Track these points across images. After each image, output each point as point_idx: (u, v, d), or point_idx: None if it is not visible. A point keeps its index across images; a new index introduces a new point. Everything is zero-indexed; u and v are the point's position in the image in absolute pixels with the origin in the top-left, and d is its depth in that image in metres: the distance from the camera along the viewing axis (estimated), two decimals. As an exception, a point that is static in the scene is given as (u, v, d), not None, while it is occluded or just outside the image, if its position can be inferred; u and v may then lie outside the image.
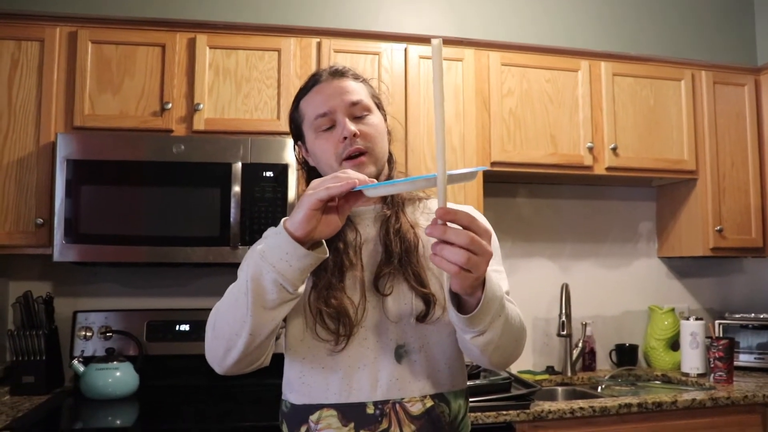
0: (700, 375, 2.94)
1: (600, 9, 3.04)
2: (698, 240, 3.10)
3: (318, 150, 1.37)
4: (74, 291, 2.79)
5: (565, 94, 2.92)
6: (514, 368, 2.96)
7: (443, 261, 1.02)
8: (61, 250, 2.36)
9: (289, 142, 2.51)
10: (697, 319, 3.01)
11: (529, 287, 3.21)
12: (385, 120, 1.45)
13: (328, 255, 1.19)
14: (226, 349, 1.21)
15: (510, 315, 1.19)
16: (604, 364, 3.28)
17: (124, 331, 2.67)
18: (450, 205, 1.04)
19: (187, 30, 2.60)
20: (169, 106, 2.53)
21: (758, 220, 3.14)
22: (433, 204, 1.40)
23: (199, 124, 2.55)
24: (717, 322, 3.19)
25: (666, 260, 3.45)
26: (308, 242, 1.14)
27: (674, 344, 3.21)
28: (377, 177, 1.36)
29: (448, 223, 1.03)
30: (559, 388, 2.94)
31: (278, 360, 1.38)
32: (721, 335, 3.12)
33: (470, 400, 1.88)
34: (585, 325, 3.16)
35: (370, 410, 1.26)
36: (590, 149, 2.91)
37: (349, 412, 1.26)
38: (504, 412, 2.28)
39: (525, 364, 3.17)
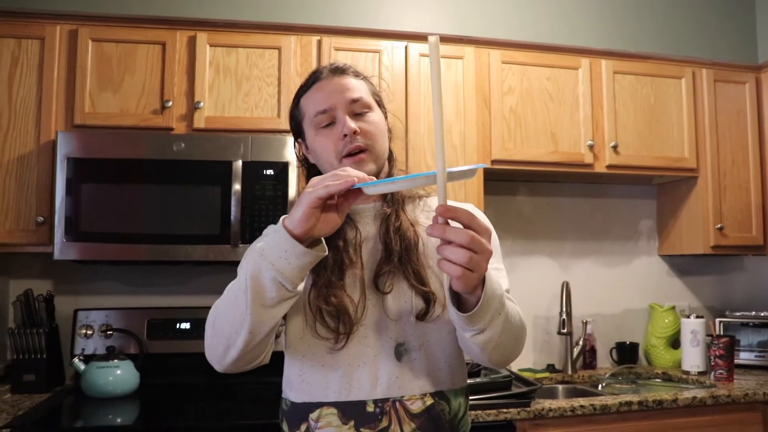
0: (700, 373, 2.94)
1: (600, 7, 3.03)
2: (699, 238, 3.10)
3: (318, 147, 1.37)
4: (75, 289, 2.79)
5: (565, 92, 2.92)
6: (515, 366, 2.96)
7: (446, 263, 1.02)
8: (61, 248, 2.36)
9: (290, 140, 2.51)
10: (697, 317, 3.01)
11: (529, 285, 3.21)
12: (386, 117, 1.45)
13: (327, 253, 1.19)
14: (225, 347, 1.21)
15: (510, 313, 1.19)
16: (604, 362, 3.28)
17: (125, 329, 2.67)
18: (450, 202, 1.04)
19: (188, 28, 2.60)
20: (170, 104, 2.53)
21: (759, 218, 3.13)
22: (434, 202, 1.39)
23: (199, 122, 2.55)
24: (717, 320, 3.19)
25: (666, 258, 3.45)
26: (307, 240, 1.14)
27: (675, 342, 3.21)
28: (377, 175, 1.36)
29: (449, 221, 1.03)
30: (560, 386, 2.94)
31: (278, 358, 1.38)
32: (721, 333, 3.11)
33: (471, 398, 1.88)
34: (585, 323, 3.16)
35: (370, 408, 1.26)
36: (591, 147, 2.90)
37: (349, 410, 1.26)
38: (504, 410, 2.28)
39: (525, 362, 3.17)
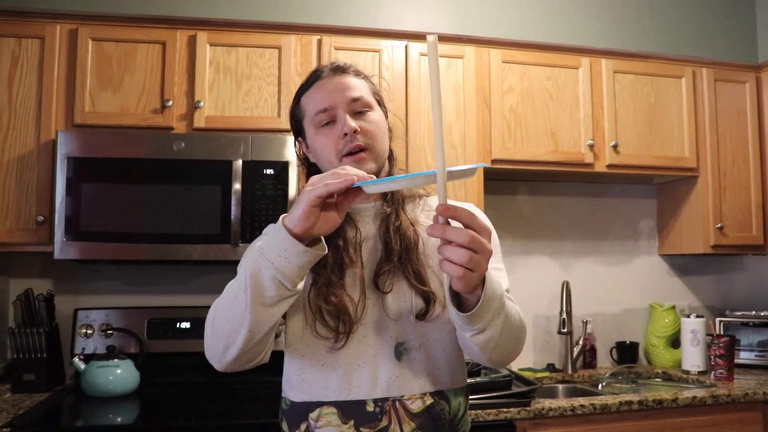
0: (700, 372, 2.94)
1: (601, 6, 3.03)
2: (699, 237, 3.10)
3: (318, 146, 1.37)
4: (75, 288, 2.79)
5: (565, 91, 2.92)
6: (515, 366, 2.96)
7: (447, 264, 1.02)
8: (61, 247, 2.37)
9: (290, 139, 2.51)
10: (697, 316, 3.01)
11: (529, 285, 3.21)
12: (386, 117, 1.45)
13: (326, 252, 1.19)
14: (225, 345, 1.21)
15: (510, 313, 1.19)
16: (604, 361, 3.28)
17: (125, 328, 2.67)
18: (450, 202, 1.04)
19: (188, 27, 2.60)
20: (170, 103, 2.53)
21: (759, 218, 3.13)
22: (434, 201, 1.39)
23: (199, 121, 2.55)
24: (718, 319, 3.19)
25: (667, 258, 3.45)
26: (307, 239, 1.14)
27: (675, 342, 3.21)
28: (377, 174, 1.36)
29: (449, 220, 1.03)
30: (560, 386, 2.94)
31: (278, 357, 1.38)
32: (721, 333, 3.11)
33: (471, 397, 1.89)
34: (586, 323, 3.16)
35: (370, 408, 1.26)
36: (591, 147, 2.90)
37: (349, 409, 1.26)
38: (505, 410, 2.28)
39: (526, 361, 3.17)
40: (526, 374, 2.79)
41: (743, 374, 2.92)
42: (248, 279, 1.15)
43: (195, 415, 2.29)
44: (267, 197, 2.46)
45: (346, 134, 1.32)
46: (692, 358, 2.97)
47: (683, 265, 3.46)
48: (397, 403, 1.26)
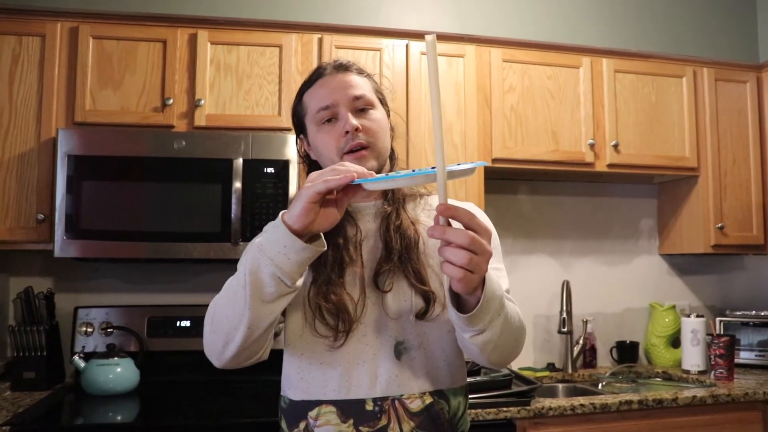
0: (700, 372, 2.94)
1: (601, 5, 3.03)
2: (699, 237, 3.10)
3: (320, 143, 1.37)
4: (75, 287, 2.79)
5: (566, 90, 2.92)
6: (515, 365, 2.96)
7: (447, 265, 1.02)
8: (62, 245, 2.37)
9: (290, 138, 2.51)
10: (698, 316, 3.00)
11: (530, 284, 3.21)
12: (388, 116, 1.44)
13: (326, 248, 1.18)
14: (224, 342, 1.21)
15: (509, 314, 1.19)
16: (604, 361, 3.28)
17: (125, 327, 2.67)
18: (450, 201, 1.04)
19: (188, 26, 2.60)
20: (170, 101, 2.53)
21: (759, 217, 3.13)
22: (434, 200, 1.39)
23: (200, 119, 2.55)
24: (718, 319, 3.19)
25: (667, 257, 3.45)
26: (306, 235, 1.14)
27: (675, 341, 3.21)
28: (378, 172, 1.35)
29: (450, 221, 1.02)
30: (560, 385, 2.94)
31: (278, 356, 1.38)
32: (721, 332, 3.11)
33: (471, 396, 1.88)
34: (586, 322, 3.16)
35: (369, 407, 1.26)
36: (591, 146, 2.90)
37: (348, 408, 1.26)
38: (504, 409, 2.28)
39: (526, 360, 3.17)
40: (526, 373, 2.79)
41: (743, 374, 2.92)
42: (247, 275, 1.14)
43: (195, 414, 2.29)
44: (267, 196, 2.47)
45: (347, 132, 1.32)
46: (692, 357, 2.97)
47: (683, 264, 3.46)
48: (396, 402, 1.26)
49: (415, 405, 1.27)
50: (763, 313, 3.16)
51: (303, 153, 1.47)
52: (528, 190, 3.29)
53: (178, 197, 2.44)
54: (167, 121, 2.54)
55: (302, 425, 1.29)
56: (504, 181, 3.20)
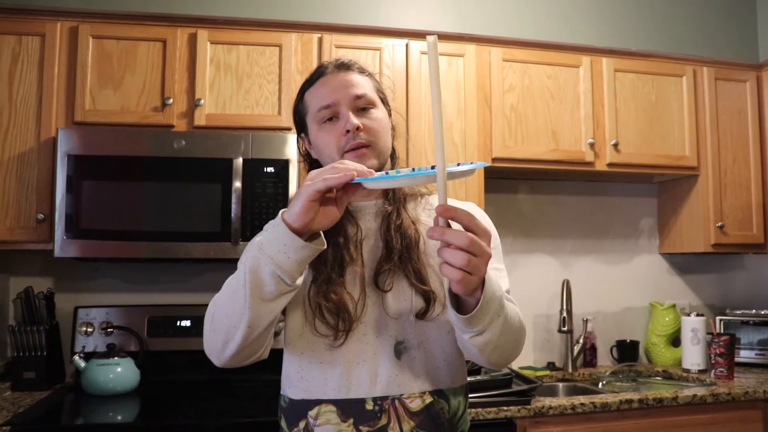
0: (701, 371, 2.94)
1: (601, 5, 3.03)
2: (699, 236, 3.10)
3: (321, 142, 1.37)
4: (75, 287, 2.79)
5: (566, 90, 2.92)
6: (515, 364, 2.96)
7: (446, 267, 1.02)
8: (62, 245, 2.36)
9: (290, 137, 2.51)
10: (698, 315, 3.00)
11: (530, 283, 3.21)
12: (390, 115, 1.44)
13: (325, 247, 1.18)
14: (224, 341, 1.21)
15: (509, 315, 1.18)
16: (605, 360, 3.28)
17: (125, 326, 2.67)
18: (451, 201, 1.04)
19: (188, 25, 2.60)
20: (170, 101, 2.53)
21: (759, 216, 3.13)
22: (435, 200, 1.39)
23: (200, 119, 2.55)
24: (718, 318, 3.19)
25: (667, 256, 3.45)
26: (306, 234, 1.14)
27: (675, 340, 3.21)
28: (379, 171, 1.35)
29: (450, 222, 1.02)
30: (560, 384, 2.94)
31: (278, 355, 1.38)
32: (722, 331, 3.11)
33: (471, 395, 1.88)
34: (586, 321, 3.16)
35: (369, 406, 1.25)
36: (591, 145, 2.90)
37: (348, 407, 1.26)
38: (505, 408, 2.28)
39: (526, 360, 3.17)
40: (526, 373, 2.80)
41: (743, 373, 2.92)
42: (247, 274, 1.14)
43: (195, 414, 2.29)
44: (267, 195, 2.46)
45: (348, 131, 1.32)
46: (692, 356, 2.97)
47: (684, 263, 3.46)
48: (396, 401, 1.26)
49: (415, 404, 1.26)
50: (763, 312, 3.16)
51: (304, 152, 1.47)
52: (528, 190, 3.29)
53: (178, 197, 2.44)
54: (167, 121, 2.54)
55: (302, 424, 1.29)
56: (504, 180, 3.20)
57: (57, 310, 2.67)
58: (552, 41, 2.94)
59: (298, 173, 2.50)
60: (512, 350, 1.25)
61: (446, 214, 1.02)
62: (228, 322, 1.19)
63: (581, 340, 3.12)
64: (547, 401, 2.35)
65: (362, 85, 1.38)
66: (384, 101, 1.44)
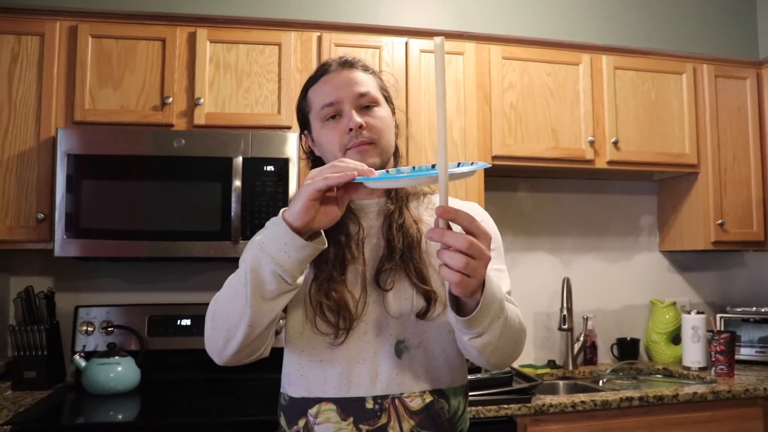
0: (701, 369, 2.94)
1: (601, 2, 3.03)
2: (699, 234, 3.10)
3: (324, 140, 1.37)
4: (75, 286, 2.79)
5: (566, 87, 2.92)
6: (516, 362, 2.95)
7: (445, 269, 1.01)
8: (62, 245, 2.36)
9: (290, 136, 2.51)
10: (698, 312, 3.01)
11: (530, 281, 3.21)
12: (393, 113, 1.44)
13: (326, 246, 1.18)
14: (225, 339, 1.21)
15: (509, 317, 1.18)
16: (605, 358, 3.28)
17: (126, 325, 2.67)
18: (453, 201, 1.04)
19: (188, 24, 2.60)
20: (170, 100, 2.53)
21: (759, 214, 3.13)
22: (438, 200, 1.39)
23: (199, 118, 2.54)
24: (718, 315, 3.19)
25: (667, 254, 3.45)
26: (307, 233, 1.13)
27: (675, 338, 3.21)
28: (382, 169, 1.34)
29: (450, 224, 1.02)
30: (561, 382, 2.94)
31: (278, 354, 1.38)
32: (722, 329, 3.11)
33: (471, 393, 1.89)
34: (586, 319, 3.16)
35: (370, 405, 1.25)
36: (591, 143, 2.90)
37: (348, 406, 1.26)
38: (505, 406, 2.28)
39: (526, 358, 3.17)
40: (526, 371, 2.80)
41: (744, 370, 2.93)
42: (248, 273, 1.14)
43: (195, 412, 2.29)
44: (267, 194, 2.46)
45: (351, 129, 1.31)
46: (693, 354, 2.97)
47: (684, 261, 3.46)
48: (396, 400, 1.26)
49: (415, 404, 1.26)
50: (763, 310, 3.16)
51: (307, 149, 1.47)
52: (528, 188, 3.29)
53: (178, 196, 2.43)
54: (167, 120, 2.53)
55: (302, 422, 1.29)
56: (504, 178, 3.20)
57: (57, 309, 2.67)
58: (551, 39, 2.93)
59: (297, 172, 2.50)
60: (512, 352, 1.24)
61: (446, 215, 1.01)
62: (229, 320, 1.19)
63: (581, 338, 3.12)
64: (548, 399, 2.36)
65: (366, 83, 1.37)
66: (388, 99, 1.43)
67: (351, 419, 1.25)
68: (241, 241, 2.43)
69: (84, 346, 2.64)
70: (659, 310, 3.26)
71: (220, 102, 2.57)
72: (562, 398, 2.38)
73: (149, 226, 2.42)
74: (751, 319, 3.14)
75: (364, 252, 1.32)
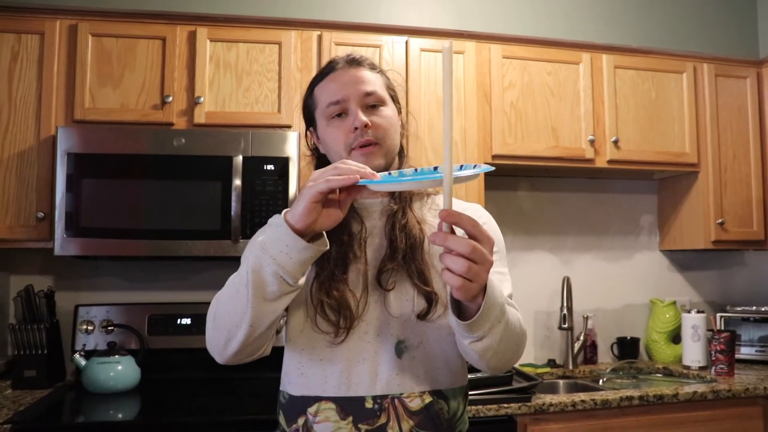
0: (701, 368, 2.95)
1: (601, 1, 3.03)
2: (700, 233, 3.10)
3: (329, 138, 1.36)
4: (75, 285, 2.79)
5: (566, 86, 2.92)
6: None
7: (447, 273, 1.01)
8: (62, 243, 2.36)
9: (290, 135, 2.51)
10: (698, 312, 3.01)
11: (530, 281, 3.21)
12: (399, 113, 1.43)
13: (328, 248, 1.18)
14: (226, 339, 1.21)
15: (510, 321, 1.17)
16: (605, 357, 3.28)
17: (126, 324, 2.67)
18: (457, 203, 1.03)
19: (188, 23, 2.60)
20: (170, 99, 2.53)
21: (760, 213, 3.13)
22: (441, 201, 1.39)
23: (199, 117, 2.54)
24: (718, 314, 3.19)
25: (667, 253, 3.44)
26: (309, 234, 1.13)
27: (675, 337, 3.21)
28: (386, 170, 1.34)
29: (453, 228, 1.02)
30: (561, 381, 2.94)
31: (279, 353, 1.38)
32: (722, 328, 3.11)
33: (471, 393, 1.89)
34: (586, 319, 3.16)
35: (369, 404, 1.25)
36: (591, 142, 2.90)
37: (347, 405, 1.26)
38: (505, 405, 2.28)
39: (526, 357, 3.17)
40: (526, 370, 2.80)
41: (744, 369, 2.93)
42: (250, 274, 1.14)
43: (195, 411, 2.29)
44: (267, 193, 2.46)
45: (356, 128, 1.31)
46: (693, 353, 2.97)
47: (684, 260, 3.46)
48: (396, 400, 1.26)
49: (415, 404, 1.26)
50: (763, 309, 3.16)
51: (312, 146, 1.46)
52: (528, 187, 3.29)
53: (178, 195, 2.43)
54: (167, 119, 2.53)
55: (301, 421, 1.29)
56: (504, 177, 3.19)
57: (57, 308, 2.67)
58: (552, 38, 2.93)
59: (298, 171, 2.50)
60: (512, 356, 1.24)
61: (449, 219, 1.01)
62: (230, 320, 1.19)
63: (582, 337, 3.12)
64: (548, 398, 2.36)
65: (372, 82, 1.37)
66: (394, 99, 1.43)
67: (350, 418, 1.25)
68: (241, 240, 2.43)
69: (84, 345, 2.64)
70: (659, 309, 3.26)
71: (220, 101, 2.57)
72: (562, 397, 2.38)
73: (149, 225, 2.42)
74: (751, 319, 3.14)
75: (367, 251, 1.32)
